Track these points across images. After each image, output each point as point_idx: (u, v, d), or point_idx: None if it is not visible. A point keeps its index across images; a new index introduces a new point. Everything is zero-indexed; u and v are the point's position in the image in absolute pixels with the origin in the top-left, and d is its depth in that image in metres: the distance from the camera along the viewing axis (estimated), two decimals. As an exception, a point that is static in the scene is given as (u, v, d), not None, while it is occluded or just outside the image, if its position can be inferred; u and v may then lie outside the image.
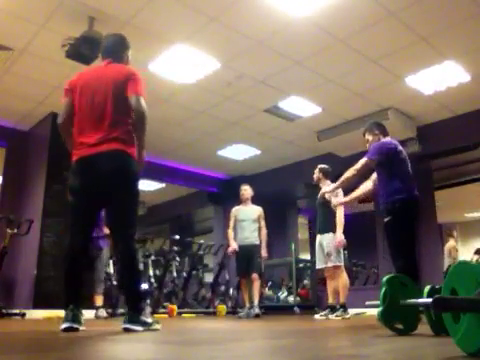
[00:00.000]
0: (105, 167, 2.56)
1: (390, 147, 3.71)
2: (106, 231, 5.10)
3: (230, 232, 5.82)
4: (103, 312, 4.95)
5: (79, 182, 2.64)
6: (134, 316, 2.49)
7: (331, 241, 5.04)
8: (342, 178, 3.88)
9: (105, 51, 2.91)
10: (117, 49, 2.90)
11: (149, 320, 2.54)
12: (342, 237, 5.01)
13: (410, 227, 3.62)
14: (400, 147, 3.77)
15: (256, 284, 5.61)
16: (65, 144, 2.83)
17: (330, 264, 5.05)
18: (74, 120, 2.73)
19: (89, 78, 2.77)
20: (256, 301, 5.60)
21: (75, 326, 2.43)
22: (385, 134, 3.89)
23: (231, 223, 5.85)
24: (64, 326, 2.42)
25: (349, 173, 3.78)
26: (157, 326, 2.58)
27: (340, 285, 5.00)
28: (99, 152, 2.57)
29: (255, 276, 5.58)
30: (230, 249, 5.76)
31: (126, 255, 2.61)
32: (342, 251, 5.12)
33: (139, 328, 2.45)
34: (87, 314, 5.18)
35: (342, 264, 5.08)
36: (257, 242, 5.71)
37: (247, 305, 5.73)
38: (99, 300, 5.08)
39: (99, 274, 5.09)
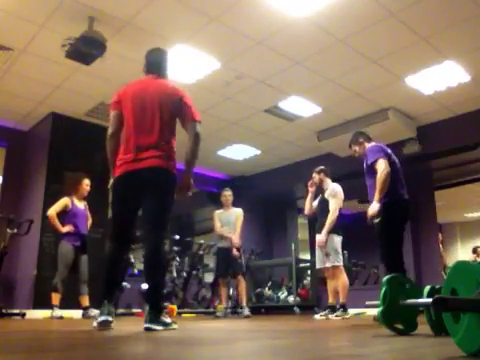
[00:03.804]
0: (146, 180, 2.70)
1: (383, 149, 3.81)
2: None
3: (220, 228, 5.86)
4: (93, 311, 4.94)
5: (121, 193, 2.80)
6: (155, 316, 2.58)
7: (329, 241, 5.03)
8: (380, 190, 3.62)
9: (151, 66, 2.97)
10: (163, 65, 2.99)
11: (168, 320, 2.63)
12: (324, 238, 4.98)
13: (398, 229, 3.66)
14: (389, 150, 3.88)
15: (242, 285, 5.79)
16: (108, 155, 2.90)
17: (328, 264, 5.03)
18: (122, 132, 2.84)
19: (138, 90, 2.85)
20: (244, 302, 5.78)
21: (110, 319, 2.62)
22: (369, 140, 4.08)
23: (218, 223, 5.91)
24: (101, 319, 2.61)
25: (384, 181, 3.61)
26: (174, 326, 2.65)
27: (339, 285, 4.99)
28: (143, 167, 2.69)
29: (240, 277, 5.76)
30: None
31: (154, 255, 2.69)
32: (341, 251, 5.10)
33: (160, 328, 2.53)
34: (75, 315, 5.24)
35: (341, 264, 5.07)
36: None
37: (224, 304, 5.89)
38: (86, 301, 5.10)
39: (83, 276, 5.12)
